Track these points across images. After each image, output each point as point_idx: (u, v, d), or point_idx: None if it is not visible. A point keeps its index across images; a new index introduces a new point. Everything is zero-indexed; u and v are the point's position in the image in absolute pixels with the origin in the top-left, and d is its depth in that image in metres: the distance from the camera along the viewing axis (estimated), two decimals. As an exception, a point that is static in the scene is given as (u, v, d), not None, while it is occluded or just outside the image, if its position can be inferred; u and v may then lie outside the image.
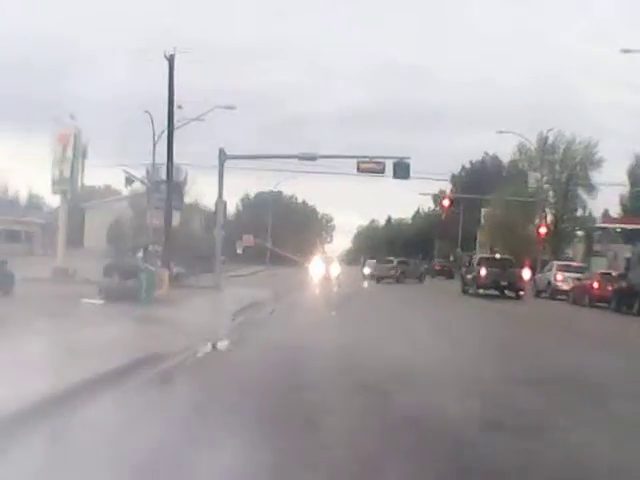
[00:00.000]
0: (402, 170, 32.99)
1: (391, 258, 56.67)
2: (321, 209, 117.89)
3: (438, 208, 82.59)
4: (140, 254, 59.34)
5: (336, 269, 53.39)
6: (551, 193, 52.81)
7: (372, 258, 78.88)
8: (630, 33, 70.14)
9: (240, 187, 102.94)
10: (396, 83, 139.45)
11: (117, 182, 65.16)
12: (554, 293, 32.82)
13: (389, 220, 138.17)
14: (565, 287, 31.94)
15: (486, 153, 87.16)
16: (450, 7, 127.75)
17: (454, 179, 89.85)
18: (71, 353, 9.44)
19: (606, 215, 65.68)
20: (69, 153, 33.52)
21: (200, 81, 65.35)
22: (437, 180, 72.33)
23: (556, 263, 35.70)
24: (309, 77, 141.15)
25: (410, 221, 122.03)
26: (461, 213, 74.95)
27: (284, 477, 4.89)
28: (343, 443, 5.78)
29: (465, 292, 34.80)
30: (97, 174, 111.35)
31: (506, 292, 32.57)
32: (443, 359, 11.33)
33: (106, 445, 5.34)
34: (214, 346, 11.62)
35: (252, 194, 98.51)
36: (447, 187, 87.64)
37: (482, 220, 70.80)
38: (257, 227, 78.83)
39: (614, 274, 28.87)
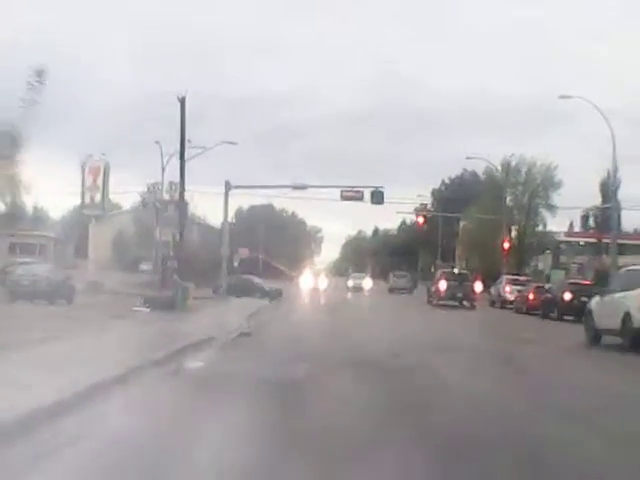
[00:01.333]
0: (377, 197, 39.90)
1: (404, 272, 65.37)
2: (310, 221, 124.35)
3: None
4: (144, 266, 66.17)
5: (324, 282, 60.60)
6: (515, 212, 59.71)
7: (356, 271, 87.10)
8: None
9: (234, 201, 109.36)
10: (391, 89, 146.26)
11: (116, 197, 71.32)
12: (503, 303, 39.38)
13: (376, 231, 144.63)
14: (511, 298, 38.50)
15: (465, 169, 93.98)
16: (446, 12, 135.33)
17: (434, 193, 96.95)
18: (163, 337, 16.13)
19: (570, 229, 72.63)
20: (99, 182, 40.49)
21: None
22: (416, 197, 79.02)
23: (505, 277, 42.18)
24: (304, 82, 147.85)
25: (396, 232, 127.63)
26: (440, 227, 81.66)
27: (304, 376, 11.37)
28: (321, 366, 12.41)
29: (429, 302, 41.17)
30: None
31: (464, 302, 39.09)
32: (388, 338, 18.20)
33: (215, 370, 12.02)
34: (241, 334, 18.29)
35: (245, 207, 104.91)
36: (428, 200, 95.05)
37: (460, 234, 77.52)
38: (250, 239, 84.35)
39: (547, 286, 35.38)
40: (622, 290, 17.97)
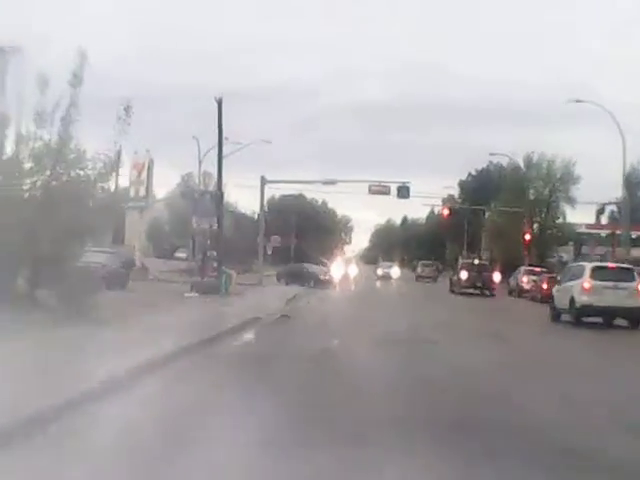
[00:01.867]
0: (404, 192, 43.16)
1: (430, 262, 69.63)
2: (340, 210, 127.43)
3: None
4: (180, 253, 69.77)
5: (354, 270, 63.98)
6: (537, 205, 62.58)
7: (385, 260, 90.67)
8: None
9: (267, 190, 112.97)
10: (414, 80, 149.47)
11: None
12: (520, 292, 42.35)
13: (405, 220, 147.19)
14: (527, 287, 41.55)
15: (490, 161, 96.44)
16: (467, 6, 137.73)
17: (462, 184, 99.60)
18: (220, 316, 19.57)
19: (597, 221, 74.92)
20: (143, 176, 44.10)
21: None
22: (443, 189, 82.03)
23: (523, 268, 45.13)
24: (326, 74, 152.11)
25: (424, 222, 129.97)
26: (466, 218, 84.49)
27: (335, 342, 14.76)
28: (346, 336, 15.71)
29: (452, 291, 44.42)
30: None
31: (484, 291, 42.26)
32: (408, 320, 21.56)
33: (264, 340, 15.40)
34: (282, 315, 21.66)
35: (277, 196, 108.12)
36: (456, 191, 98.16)
37: (485, 225, 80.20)
38: (282, 228, 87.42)
39: (558, 277, 38.03)
40: (570, 280, 23.95)
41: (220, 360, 11.90)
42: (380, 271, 69.78)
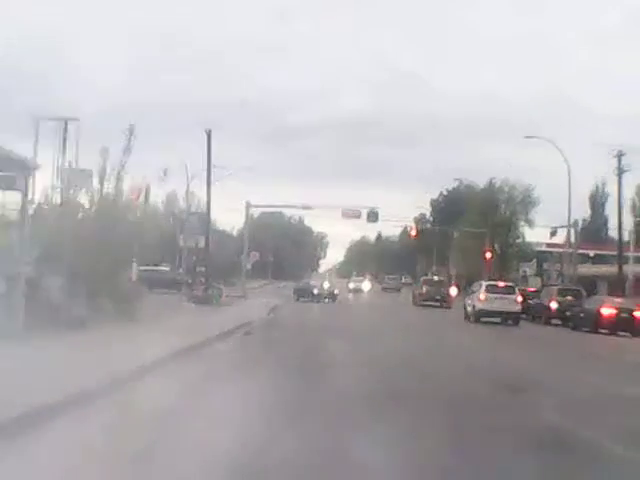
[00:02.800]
0: (372, 217, 49.10)
1: (394, 276, 77.01)
2: (317, 226, 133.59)
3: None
4: (163, 267, 74.94)
5: (327, 284, 69.72)
6: (498, 226, 69.15)
7: (358, 275, 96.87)
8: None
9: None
10: (396, 92, 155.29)
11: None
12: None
13: (379, 236, 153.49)
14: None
15: (460, 181, 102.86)
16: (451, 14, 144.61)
17: (433, 203, 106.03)
18: (221, 320, 25.19)
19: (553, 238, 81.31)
20: (141, 200, 49.62)
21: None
22: (415, 208, 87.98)
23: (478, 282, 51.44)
24: (308, 85, 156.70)
25: (397, 238, 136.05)
26: (437, 236, 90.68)
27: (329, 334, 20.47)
28: (321, 333, 21.42)
29: (414, 303, 50.62)
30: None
31: (442, 303, 48.27)
32: (371, 324, 27.42)
33: (262, 333, 21.12)
34: (267, 319, 27.40)
35: (256, 214, 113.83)
36: (428, 209, 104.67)
37: (454, 243, 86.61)
38: (260, 244, 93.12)
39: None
40: (473, 293, 35.97)
41: (237, 342, 18.00)
42: (352, 284, 75.91)
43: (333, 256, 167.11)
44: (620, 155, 45.59)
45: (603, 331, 29.95)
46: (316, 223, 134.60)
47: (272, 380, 10.79)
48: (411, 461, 6.64)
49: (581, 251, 62.07)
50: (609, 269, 57.44)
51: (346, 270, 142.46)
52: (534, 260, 75.38)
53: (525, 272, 74.83)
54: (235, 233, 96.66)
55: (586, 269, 61.30)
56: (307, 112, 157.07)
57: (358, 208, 49.94)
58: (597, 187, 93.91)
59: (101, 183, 20.05)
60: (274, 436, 7.30)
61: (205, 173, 47.78)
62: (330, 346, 18.49)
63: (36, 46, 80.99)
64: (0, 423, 6.87)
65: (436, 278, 53.50)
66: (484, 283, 36.57)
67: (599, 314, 30.28)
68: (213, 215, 78.00)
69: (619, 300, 32.87)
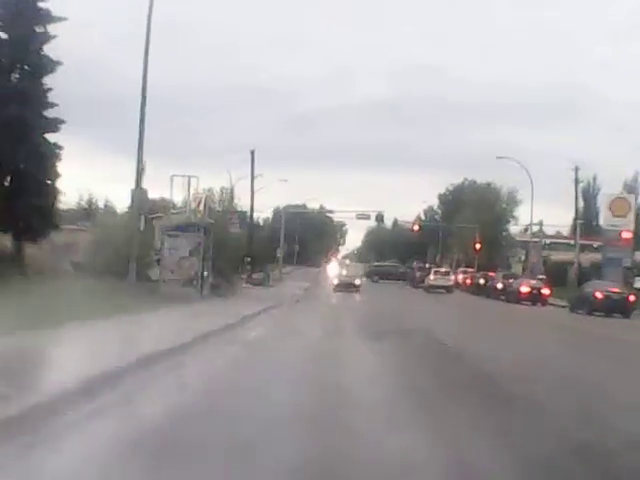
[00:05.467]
0: (379, 218, 66.07)
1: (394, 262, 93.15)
2: (336, 216, 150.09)
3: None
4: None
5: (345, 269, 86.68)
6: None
7: (377, 260, 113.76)
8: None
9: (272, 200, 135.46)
10: (415, 81, 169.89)
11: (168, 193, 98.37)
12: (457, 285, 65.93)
13: (395, 223, 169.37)
14: (461, 281, 65.28)
15: (465, 178, 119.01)
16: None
17: (440, 197, 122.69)
18: (277, 294, 42.06)
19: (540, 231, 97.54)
20: (200, 207, 66.53)
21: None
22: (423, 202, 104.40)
23: (433, 268, 68.64)
24: (329, 74, 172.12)
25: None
26: (440, 228, 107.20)
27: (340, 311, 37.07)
28: (350, 308, 38.00)
29: (412, 286, 67.38)
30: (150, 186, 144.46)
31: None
32: (369, 300, 44.26)
33: (305, 301, 37.90)
34: (304, 294, 44.21)
35: (282, 206, 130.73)
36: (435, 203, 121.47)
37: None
38: (286, 234, 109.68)
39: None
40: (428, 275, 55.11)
41: (292, 305, 34.51)
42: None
43: (352, 242, 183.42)
44: (577, 169, 62.93)
45: (524, 302, 46.20)
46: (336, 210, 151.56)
47: (316, 313, 27.59)
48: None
49: (550, 241, 79.64)
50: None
51: (364, 256, 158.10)
52: (516, 249, 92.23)
53: (509, 260, 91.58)
54: (261, 222, 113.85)
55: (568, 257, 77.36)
56: (324, 98, 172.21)
57: (368, 212, 66.69)
58: (589, 182, 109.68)
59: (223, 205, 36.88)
60: (326, 319, 23.94)
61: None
62: (345, 303, 35.46)
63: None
64: (218, 329, 23.33)
65: (427, 265, 70.73)
66: (433, 269, 61.10)
67: (519, 291, 47.23)
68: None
69: (534, 281, 49.80)
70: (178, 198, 48.58)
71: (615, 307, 38.45)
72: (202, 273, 30.44)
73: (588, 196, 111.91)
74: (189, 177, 40.41)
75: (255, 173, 64.12)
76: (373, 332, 20.75)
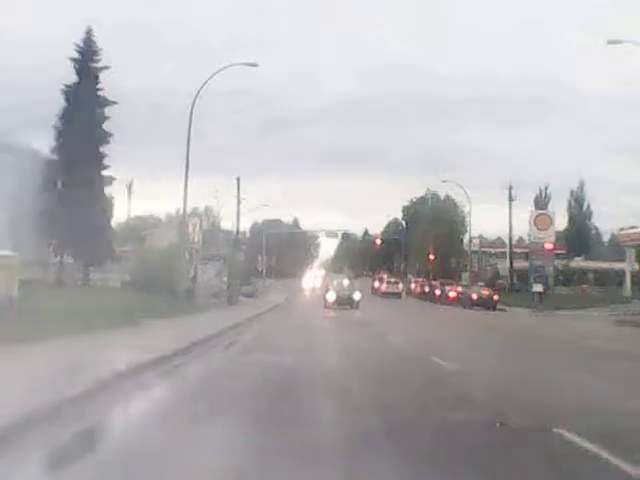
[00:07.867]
0: (345, 237, 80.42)
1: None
2: (312, 221, 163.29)
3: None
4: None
5: (319, 280, 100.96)
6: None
7: (348, 270, 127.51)
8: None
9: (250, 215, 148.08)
10: (394, 78, 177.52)
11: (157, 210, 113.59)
12: (411, 292, 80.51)
13: (366, 233, 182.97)
14: (413, 288, 79.94)
15: (428, 189, 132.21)
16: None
17: (404, 210, 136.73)
18: (260, 304, 55.93)
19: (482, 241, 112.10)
20: (197, 229, 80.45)
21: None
22: (386, 216, 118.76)
23: (384, 277, 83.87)
24: (304, 73, 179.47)
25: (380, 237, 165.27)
26: (403, 239, 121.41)
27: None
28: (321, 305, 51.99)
29: (373, 293, 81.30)
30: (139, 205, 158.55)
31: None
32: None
33: (287, 307, 51.89)
34: (285, 304, 58.17)
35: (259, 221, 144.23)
36: (399, 215, 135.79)
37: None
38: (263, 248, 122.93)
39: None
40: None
41: (277, 311, 48.48)
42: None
43: (325, 252, 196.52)
44: (510, 187, 77.95)
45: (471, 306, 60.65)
46: (310, 219, 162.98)
47: (302, 308, 41.75)
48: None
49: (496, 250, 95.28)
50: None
51: (337, 265, 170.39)
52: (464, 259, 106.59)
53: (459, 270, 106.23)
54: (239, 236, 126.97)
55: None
56: (298, 100, 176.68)
57: (337, 231, 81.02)
58: (574, 191, 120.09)
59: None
60: (310, 316, 37.97)
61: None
62: (317, 307, 49.35)
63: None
64: (228, 327, 37.10)
65: (385, 276, 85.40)
66: (385, 277, 77.71)
67: (447, 295, 62.37)
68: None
69: (461, 287, 65.17)
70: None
71: (484, 303, 57.88)
72: (226, 289, 44.56)
73: (579, 198, 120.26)
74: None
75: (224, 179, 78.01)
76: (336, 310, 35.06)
